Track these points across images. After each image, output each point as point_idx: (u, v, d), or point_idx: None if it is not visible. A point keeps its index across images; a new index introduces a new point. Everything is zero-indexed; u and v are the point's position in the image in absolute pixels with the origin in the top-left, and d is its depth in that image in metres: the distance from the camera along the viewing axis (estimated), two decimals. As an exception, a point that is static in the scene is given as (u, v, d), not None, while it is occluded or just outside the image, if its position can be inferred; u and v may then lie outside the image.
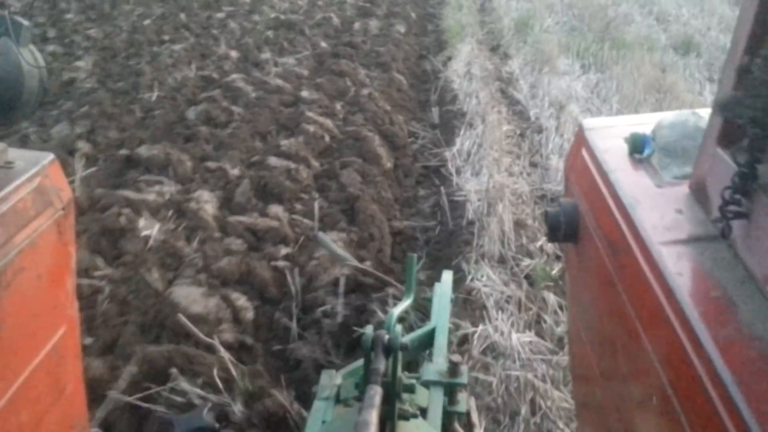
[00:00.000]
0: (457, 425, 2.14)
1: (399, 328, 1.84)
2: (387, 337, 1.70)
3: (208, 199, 3.90)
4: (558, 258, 3.52)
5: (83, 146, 4.17)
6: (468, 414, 2.23)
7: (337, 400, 2.04)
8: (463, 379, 2.14)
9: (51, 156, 1.51)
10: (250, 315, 3.12)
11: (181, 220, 3.74)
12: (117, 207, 3.68)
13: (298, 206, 4.02)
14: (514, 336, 2.95)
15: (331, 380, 2.15)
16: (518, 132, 5.28)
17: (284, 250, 3.58)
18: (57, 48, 6.36)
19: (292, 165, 4.34)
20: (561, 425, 2.63)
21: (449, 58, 7.11)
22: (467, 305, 3.20)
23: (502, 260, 3.54)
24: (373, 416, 1.49)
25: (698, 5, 10.95)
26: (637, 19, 9.85)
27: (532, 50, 7.38)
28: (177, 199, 3.95)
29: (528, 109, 5.77)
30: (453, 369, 2.14)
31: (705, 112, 1.39)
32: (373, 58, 6.86)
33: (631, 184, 1.39)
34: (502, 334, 2.96)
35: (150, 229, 3.59)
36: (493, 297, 3.23)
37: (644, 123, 1.57)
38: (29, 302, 1.41)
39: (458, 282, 3.27)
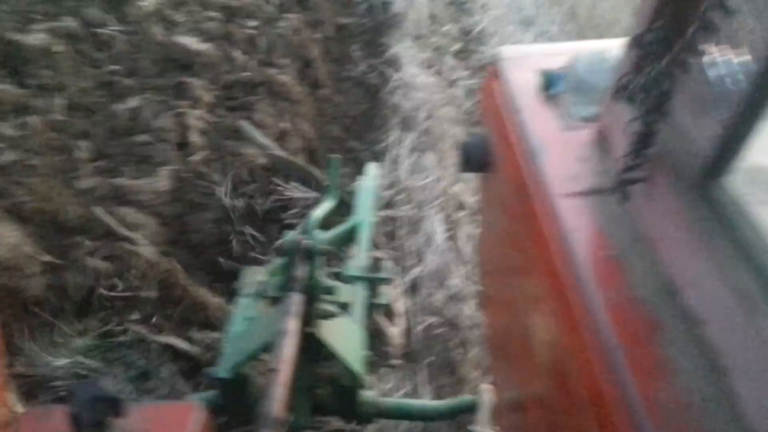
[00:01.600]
0: (378, 317, 2.24)
1: (320, 233, 1.88)
2: (307, 241, 1.72)
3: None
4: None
5: None
6: (389, 305, 2.32)
7: (260, 296, 2.03)
8: (387, 273, 2.22)
9: None
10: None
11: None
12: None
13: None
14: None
15: (255, 276, 2.16)
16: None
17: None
18: None
19: None
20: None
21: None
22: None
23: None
24: (292, 323, 1.53)
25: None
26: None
27: None
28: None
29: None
30: (376, 264, 2.21)
31: (619, 46, 1.28)
32: None
33: (539, 125, 1.38)
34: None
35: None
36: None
37: (563, 53, 1.50)
38: None
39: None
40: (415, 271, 2.89)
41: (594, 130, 1.30)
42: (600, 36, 4.90)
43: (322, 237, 1.95)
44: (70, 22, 4.09)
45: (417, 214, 3.14)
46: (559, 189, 1.21)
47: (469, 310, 2.77)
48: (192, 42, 4.10)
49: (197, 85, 3.75)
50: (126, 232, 2.77)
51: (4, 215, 2.67)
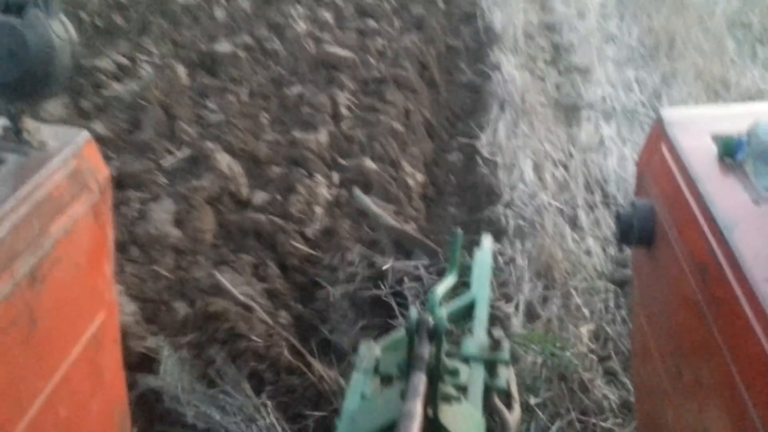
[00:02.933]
0: (496, 400, 2.08)
1: (443, 310, 1.77)
2: (431, 320, 1.68)
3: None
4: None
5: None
6: (508, 388, 2.15)
7: (376, 372, 1.99)
8: (505, 354, 2.05)
9: (86, 134, 1.44)
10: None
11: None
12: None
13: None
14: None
15: (370, 352, 2.11)
16: None
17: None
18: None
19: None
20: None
21: None
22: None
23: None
24: (418, 406, 1.48)
25: None
26: None
27: None
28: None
29: None
30: (494, 344, 2.06)
31: None
32: None
33: (724, 197, 1.25)
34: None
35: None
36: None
37: (733, 116, 1.44)
38: (67, 292, 1.34)
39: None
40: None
41: None
42: (674, 47, 5.73)
43: (445, 315, 1.87)
44: (246, 38, 5.44)
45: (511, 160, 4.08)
46: (762, 272, 1.09)
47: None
48: (337, 50, 5.32)
49: (343, 77, 4.93)
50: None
51: (223, 151, 3.86)
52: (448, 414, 1.72)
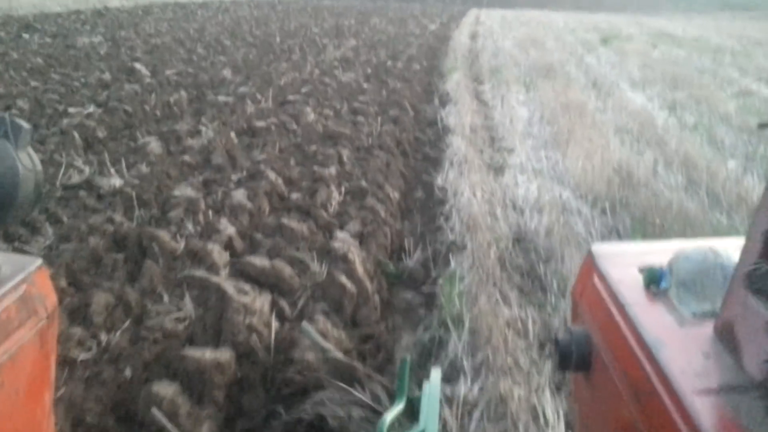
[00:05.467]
0: None
1: None
2: None
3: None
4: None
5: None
6: None
7: None
8: None
9: (38, 261, 1.47)
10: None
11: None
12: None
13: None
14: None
15: None
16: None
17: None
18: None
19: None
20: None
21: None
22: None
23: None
24: None
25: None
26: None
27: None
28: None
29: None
30: None
31: (722, 246, 1.40)
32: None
33: (652, 320, 1.35)
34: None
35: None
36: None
37: (656, 251, 1.56)
38: (4, 420, 1.32)
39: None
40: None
41: (715, 325, 1.28)
42: (572, 139, 8.17)
43: None
44: (273, 120, 7.76)
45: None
46: (689, 385, 1.15)
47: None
48: (338, 129, 7.65)
49: (343, 144, 7.20)
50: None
51: (270, 170, 6.01)
52: None
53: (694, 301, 1.39)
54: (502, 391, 3.11)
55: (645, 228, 5.24)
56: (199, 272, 4.02)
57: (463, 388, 3.18)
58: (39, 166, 1.42)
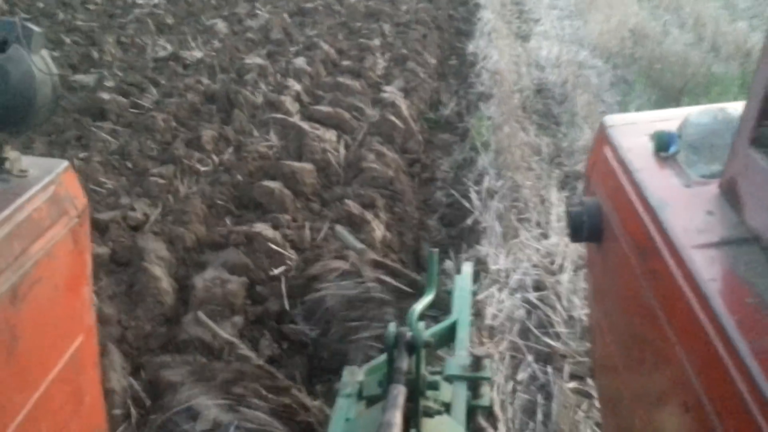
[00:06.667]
0: (480, 419, 2.14)
1: (421, 324, 1.88)
2: (409, 334, 1.73)
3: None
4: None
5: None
6: (491, 407, 2.18)
7: (360, 396, 2.06)
8: (487, 372, 2.13)
9: (65, 163, 1.49)
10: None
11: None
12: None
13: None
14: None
15: (353, 377, 2.16)
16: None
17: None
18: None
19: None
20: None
21: None
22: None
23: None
24: (396, 416, 1.51)
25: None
26: None
27: None
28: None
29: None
30: (476, 363, 2.14)
31: (733, 108, 1.37)
32: None
33: (658, 183, 1.37)
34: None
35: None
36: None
37: (669, 119, 1.54)
38: (46, 313, 1.39)
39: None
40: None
41: (719, 183, 1.29)
42: (594, 6, 8.81)
43: (424, 331, 1.87)
44: (320, 2, 8.59)
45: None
46: (689, 241, 1.18)
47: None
48: (379, 6, 8.44)
49: (384, 19, 8.02)
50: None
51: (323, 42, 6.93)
52: (430, 429, 1.76)
53: (703, 163, 1.39)
54: (517, 181, 4.14)
55: (649, 75, 6.07)
56: (279, 115, 5.06)
57: (487, 182, 4.22)
58: (54, 69, 1.41)
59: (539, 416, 2.56)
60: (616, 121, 1.67)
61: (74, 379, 1.53)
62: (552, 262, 3.44)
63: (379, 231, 3.77)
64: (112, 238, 3.46)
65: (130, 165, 4.35)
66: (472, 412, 2.07)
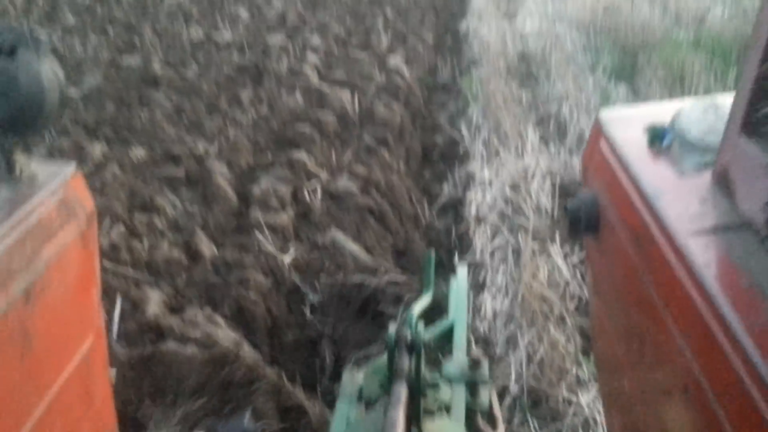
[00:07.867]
0: (480, 420, 2.11)
1: (421, 325, 1.90)
2: (409, 334, 1.75)
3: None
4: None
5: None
6: (490, 408, 2.20)
7: (360, 398, 2.07)
8: (485, 376, 2.14)
9: (74, 167, 1.52)
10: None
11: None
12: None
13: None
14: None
15: (353, 379, 2.17)
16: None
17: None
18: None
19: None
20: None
21: None
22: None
23: None
24: (400, 414, 1.55)
25: None
26: None
27: None
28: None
29: None
30: (474, 365, 2.14)
31: (724, 100, 1.39)
32: None
33: (653, 174, 1.39)
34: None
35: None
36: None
37: (662, 112, 1.57)
38: (58, 314, 1.42)
39: None
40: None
41: (712, 172, 1.31)
42: None
43: (422, 328, 1.91)
44: None
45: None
46: (684, 228, 1.20)
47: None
48: None
49: (386, 9, 9.03)
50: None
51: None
52: (431, 429, 1.79)
53: (696, 154, 1.40)
54: (500, 120, 5.15)
55: (615, 40, 7.07)
56: (302, 81, 6.08)
57: (474, 118, 5.23)
58: (61, 74, 1.43)
59: (510, 261, 3.57)
60: (611, 115, 1.71)
61: (85, 379, 1.56)
62: (525, 172, 4.43)
63: (387, 158, 4.78)
64: (184, 165, 4.47)
65: (185, 119, 5.36)
66: (470, 413, 2.10)
